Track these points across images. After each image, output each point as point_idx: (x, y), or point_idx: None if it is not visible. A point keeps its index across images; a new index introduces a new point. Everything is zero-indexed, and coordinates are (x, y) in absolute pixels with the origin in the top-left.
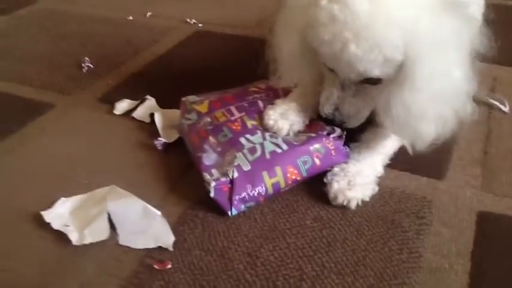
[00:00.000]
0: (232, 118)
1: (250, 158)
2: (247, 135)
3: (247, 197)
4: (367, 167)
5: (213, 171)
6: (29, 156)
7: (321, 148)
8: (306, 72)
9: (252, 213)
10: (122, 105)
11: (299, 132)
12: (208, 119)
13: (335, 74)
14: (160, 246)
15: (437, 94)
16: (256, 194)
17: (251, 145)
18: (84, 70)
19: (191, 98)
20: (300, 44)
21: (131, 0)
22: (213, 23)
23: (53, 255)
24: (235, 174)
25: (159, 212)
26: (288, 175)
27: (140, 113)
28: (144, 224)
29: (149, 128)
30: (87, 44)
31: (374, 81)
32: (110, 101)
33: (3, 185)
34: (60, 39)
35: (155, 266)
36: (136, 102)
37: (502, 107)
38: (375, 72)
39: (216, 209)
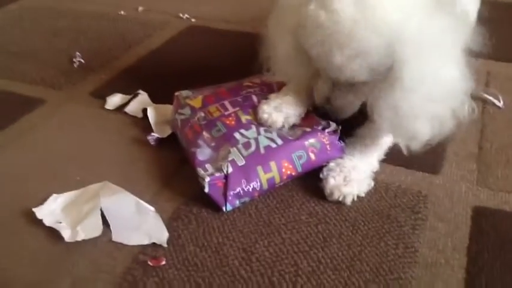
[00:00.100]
0: (226, 113)
1: (245, 153)
2: (242, 130)
3: (241, 192)
4: (362, 162)
5: (207, 166)
6: (19, 153)
7: (316, 143)
8: (300, 70)
9: (246, 208)
10: (114, 100)
11: (294, 126)
12: (202, 114)
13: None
14: (154, 243)
15: (430, 95)
16: (251, 190)
17: (245, 140)
18: (75, 65)
19: (184, 92)
20: (292, 43)
21: None
22: (206, 18)
23: (45, 252)
24: (230, 170)
25: (152, 208)
26: (283, 170)
27: (133, 108)
28: (137, 220)
29: (142, 123)
30: (79, 39)
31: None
32: (102, 96)
33: None
34: (51, 34)
35: (149, 263)
36: (128, 97)
37: (496, 101)
38: (362, 77)
39: (210, 204)
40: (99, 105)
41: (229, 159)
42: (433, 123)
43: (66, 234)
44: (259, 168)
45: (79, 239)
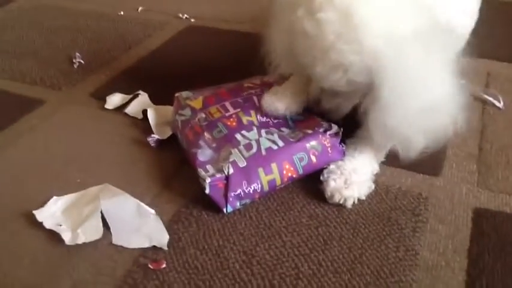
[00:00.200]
0: (227, 114)
1: (246, 154)
2: (243, 132)
3: (242, 193)
4: (363, 164)
5: (208, 167)
6: (19, 154)
7: (318, 145)
8: (296, 67)
9: (247, 211)
10: (114, 99)
11: (295, 128)
12: (203, 115)
13: None
14: (154, 246)
15: (414, 110)
16: (251, 191)
17: (247, 141)
18: (75, 66)
19: (185, 93)
20: (288, 41)
21: None
22: (206, 18)
23: (46, 254)
24: (231, 171)
25: (152, 211)
26: (284, 172)
27: (133, 109)
28: (137, 222)
29: (142, 124)
30: (78, 39)
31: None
32: (101, 96)
33: None
34: (51, 34)
35: (150, 266)
36: (128, 97)
37: (496, 102)
38: (342, 88)
39: (210, 206)
40: (99, 106)
41: (231, 160)
42: (426, 134)
43: (67, 237)
44: (260, 170)
45: (79, 241)
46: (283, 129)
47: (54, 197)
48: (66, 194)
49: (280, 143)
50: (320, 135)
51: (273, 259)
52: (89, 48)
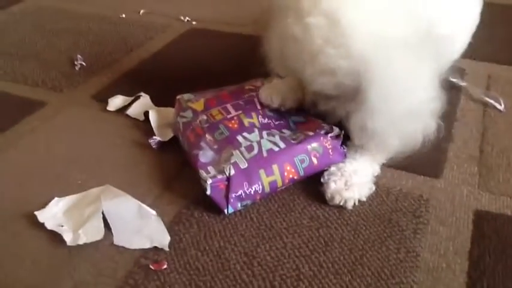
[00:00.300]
0: (229, 116)
1: (247, 155)
2: (245, 134)
3: (243, 194)
4: (364, 166)
5: (210, 168)
6: (21, 155)
7: (319, 147)
8: (288, 70)
9: (248, 212)
10: (116, 102)
11: (297, 130)
12: (204, 117)
13: None
14: (155, 246)
15: (396, 116)
16: (252, 192)
17: (248, 143)
18: (77, 68)
19: (186, 96)
20: (280, 44)
21: None
22: (207, 20)
23: (47, 255)
24: (232, 172)
25: (154, 212)
26: (285, 174)
27: (134, 110)
28: (139, 223)
29: (143, 126)
30: (80, 42)
31: None
32: (103, 99)
33: None
34: (53, 36)
35: (151, 267)
36: (130, 99)
37: (497, 105)
38: (330, 92)
39: (212, 208)
40: (101, 108)
41: (232, 161)
42: (402, 140)
43: (68, 238)
44: (262, 171)
45: (81, 242)
46: (285, 130)
47: (56, 198)
48: (67, 195)
49: (282, 145)
50: (321, 137)
51: (274, 260)
52: (91, 51)
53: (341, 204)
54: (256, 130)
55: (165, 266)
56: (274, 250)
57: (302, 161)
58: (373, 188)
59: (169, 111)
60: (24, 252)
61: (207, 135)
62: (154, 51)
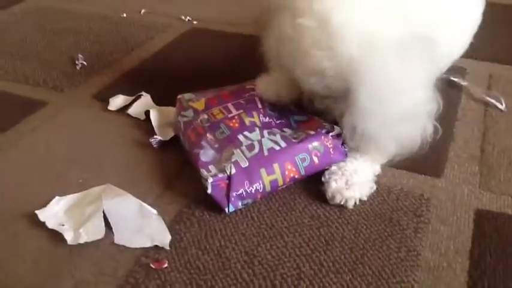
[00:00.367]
0: (230, 115)
1: (248, 154)
2: (246, 133)
3: (244, 193)
4: (365, 166)
5: (211, 167)
6: (22, 155)
7: (320, 146)
8: (282, 68)
9: (249, 211)
10: (117, 101)
11: (298, 129)
12: (205, 116)
13: None
14: (156, 245)
15: (389, 116)
16: (253, 191)
17: (249, 142)
18: (78, 67)
19: (187, 95)
20: (276, 44)
21: None
22: (208, 20)
23: (48, 254)
24: (233, 171)
25: (154, 211)
26: (286, 173)
27: (135, 110)
28: (139, 222)
29: (144, 125)
30: (81, 41)
31: None
32: (104, 98)
33: None
34: (54, 36)
35: (151, 265)
36: (131, 98)
37: (498, 104)
38: (321, 92)
39: (212, 207)
40: (102, 107)
41: (233, 160)
42: (398, 142)
43: (69, 237)
44: (263, 170)
45: (81, 241)
46: (286, 129)
47: (57, 197)
48: (68, 194)
49: (283, 144)
50: (322, 137)
51: (275, 259)
52: (92, 51)
53: (342, 203)
54: (257, 129)
55: (165, 265)
56: (274, 249)
57: (303, 160)
58: (374, 187)
59: (170, 111)
60: (24, 251)
61: (208, 134)
62: (155, 51)
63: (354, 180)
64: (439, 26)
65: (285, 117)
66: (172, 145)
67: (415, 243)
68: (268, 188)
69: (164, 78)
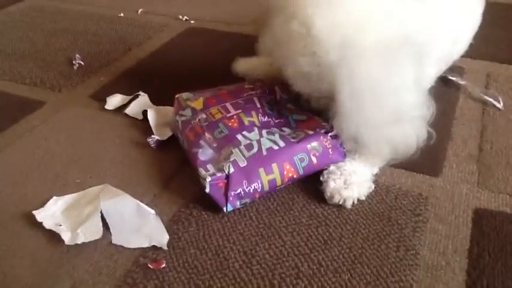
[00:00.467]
0: (228, 115)
1: (247, 154)
2: (244, 132)
3: (242, 193)
4: (363, 166)
5: (209, 166)
6: (19, 154)
7: (318, 146)
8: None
9: (247, 211)
10: (114, 101)
11: (297, 129)
12: (204, 116)
13: None
14: (154, 246)
15: (378, 120)
16: (252, 191)
17: (248, 141)
18: (75, 67)
19: (185, 95)
20: (269, 44)
21: None
22: (206, 19)
23: (45, 255)
24: (231, 170)
25: (152, 211)
26: (285, 172)
27: (133, 109)
28: (137, 222)
29: (142, 125)
30: (78, 41)
31: None
32: (102, 98)
33: None
34: (50, 36)
35: (149, 266)
36: (128, 98)
37: (496, 103)
38: (312, 94)
39: (210, 207)
40: (99, 107)
41: (231, 159)
42: (391, 146)
43: (67, 237)
44: (261, 170)
45: (79, 241)
46: (285, 129)
47: (54, 197)
48: (66, 194)
49: (281, 144)
50: (321, 137)
51: (273, 259)
52: (89, 50)
53: (340, 203)
54: (256, 129)
55: (163, 265)
56: (273, 248)
57: (302, 160)
58: (372, 187)
59: (168, 110)
60: (22, 251)
61: (206, 134)
62: (153, 51)
63: (353, 180)
64: (432, 28)
65: (284, 117)
66: (170, 145)
67: (414, 243)
68: (266, 188)
69: (162, 78)
